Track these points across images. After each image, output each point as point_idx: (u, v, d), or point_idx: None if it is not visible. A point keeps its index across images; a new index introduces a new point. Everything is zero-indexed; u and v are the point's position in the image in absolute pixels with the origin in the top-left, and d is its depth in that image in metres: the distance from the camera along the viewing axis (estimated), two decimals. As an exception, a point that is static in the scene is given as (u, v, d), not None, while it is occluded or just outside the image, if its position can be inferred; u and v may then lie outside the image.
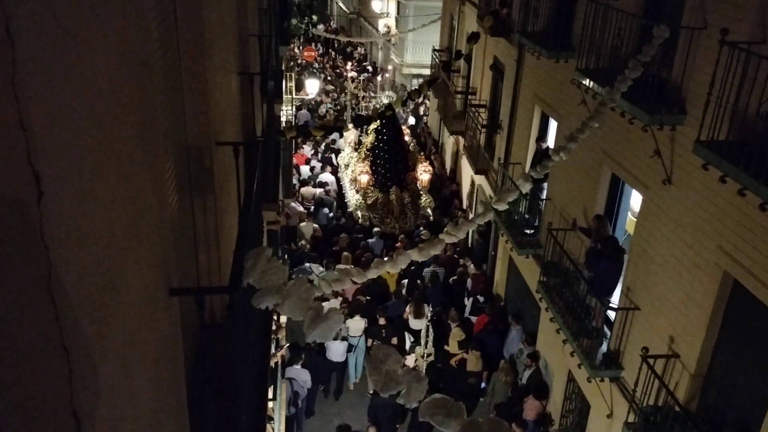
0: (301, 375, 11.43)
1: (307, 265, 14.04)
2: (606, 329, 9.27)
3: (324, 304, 13.19)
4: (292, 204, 16.88)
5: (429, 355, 11.58)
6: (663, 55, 7.29)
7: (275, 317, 9.35)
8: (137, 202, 2.24)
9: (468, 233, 16.74)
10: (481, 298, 13.66)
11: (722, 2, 6.64)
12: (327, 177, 19.69)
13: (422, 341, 11.57)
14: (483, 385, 12.17)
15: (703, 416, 6.99)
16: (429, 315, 11.67)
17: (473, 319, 13.24)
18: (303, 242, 15.61)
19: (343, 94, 25.28)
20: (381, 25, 35.09)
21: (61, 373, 1.49)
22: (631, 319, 8.40)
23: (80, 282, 1.63)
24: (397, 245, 15.29)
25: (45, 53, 1.43)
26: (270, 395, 8.87)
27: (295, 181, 19.39)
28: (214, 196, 4.37)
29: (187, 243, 3.86)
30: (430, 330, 11.52)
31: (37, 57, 1.38)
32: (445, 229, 4.01)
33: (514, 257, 13.00)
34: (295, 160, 20.58)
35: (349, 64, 32.58)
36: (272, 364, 9.06)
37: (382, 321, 12.31)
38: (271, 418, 9.60)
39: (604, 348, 9.03)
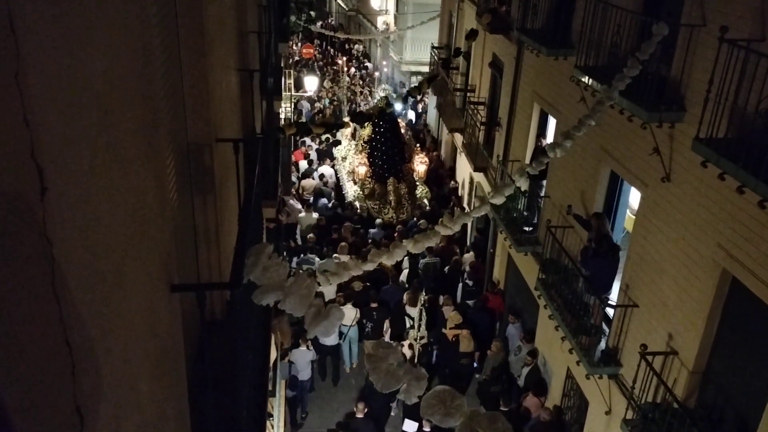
0: (306, 356, 11.79)
1: (310, 256, 14.46)
2: (604, 326, 9.29)
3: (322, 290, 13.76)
4: (291, 201, 16.92)
5: (422, 338, 12.16)
6: (662, 52, 7.29)
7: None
8: (139, 199, 2.25)
9: (467, 230, 16.80)
10: (470, 282, 14.06)
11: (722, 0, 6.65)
12: (326, 169, 20.09)
13: (416, 325, 12.06)
14: (476, 365, 12.70)
15: (701, 413, 7.01)
16: (423, 301, 12.15)
17: (469, 303, 13.71)
18: (311, 235, 15.91)
19: (340, 90, 25.38)
20: (380, 22, 35.05)
21: (65, 370, 1.49)
22: (630, 316, 8.41)
23: (83, 278, 1.63)
24: (395, 235, 15.71)
25: (48, 49, 1.43)
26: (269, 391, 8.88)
27: (294, 179, 19.51)
28: (215, 192, 4.38)
29: (187, 239, 3.86)
30: (423, 314, 12.08)
31: (40, 53, 1.38)
32: (440, 220, 4.01)
33: (513, 254, 13.02)
34: (293, 157, 20.72)
35: (346, 59, 32.61)
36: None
37: (374, 305, 12.77)
38: (271, 415, 9.61)
39: (602, 345, 9.04)
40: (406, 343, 12.30)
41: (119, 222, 1.99)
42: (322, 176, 19.57)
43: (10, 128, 1.25)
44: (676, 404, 7.00)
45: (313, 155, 21.56)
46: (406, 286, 13.85)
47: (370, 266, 3.33)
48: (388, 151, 18.47)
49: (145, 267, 2.31)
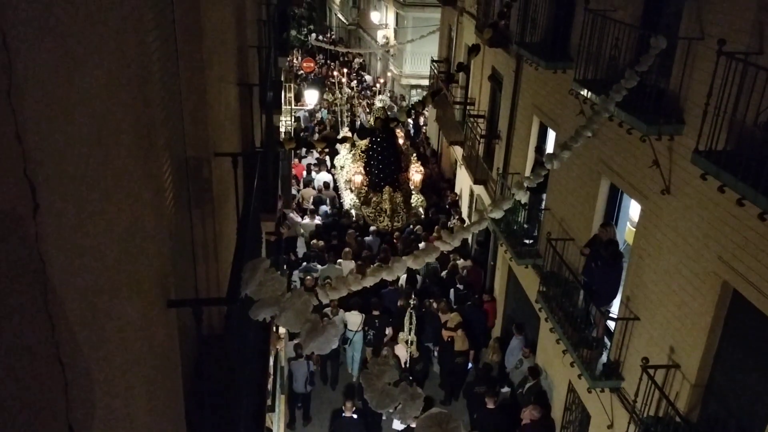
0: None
1: (313, 264, 14.74)
2: (606, 339, 9.25)
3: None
4: (291, 214, 16.96)
5: (412, 342, 12.35)
6: (661, 65, 7.31)
7: (274, 328, 9.35)
8: (135, 214, 2.24)
9: (468, 240, 16.80)
10: (460, 287, 14.40)
11: (719, 13, 6.67)
12: (323, 177, 20.53)
13: (406, 328, 12.27)
14: (470, 365, 12.93)
15: (704, 427, 6.96)
16: (411, 304, 12.34)
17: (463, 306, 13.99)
18: (314, 241, 16.23)
19: (340, 101, 25.60)
20: (380, 36, 35.22)
21: (57, 387, 1.48)
22: (631, 329, 8.37)
23: (77, 295, 1.62)
24: (394, 241, 16.30)
25: (42, 65, 1.43)
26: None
27: (294, 192, 19.61)
28: (213, 207, 4.37)
29: (185, 254, 3.85)
30: (413, 317, 12.21)
31: (33, 69, 1.38)
32: (440, 232, 4.00)
33: (514, 267, 12.99)
34: (294, 171, 20.83)
35: (346, 71, 32.79)
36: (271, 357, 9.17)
37: (376, 312, 12.87)
38: (270, 430, 9.55)
39: (604, 358, 9.00)
40: (399, 346, 12.56)
41: (115, 238, 1.98)
42: (327, 184, 19.95)
43: (3, 145, 1.25)
44: (678, 418, 6.96)
45: (312, 161, 21.97)
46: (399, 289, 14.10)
47: (370, 281, 3.32)
48: (384, 160, 18.72)
49: (141, 282, 2.30)
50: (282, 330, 10.98)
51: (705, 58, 6.75)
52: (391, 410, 2.77)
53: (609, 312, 9.01)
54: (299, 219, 17.46)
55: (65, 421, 1.51)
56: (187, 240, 3.95)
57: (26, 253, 1.35)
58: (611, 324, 9.05)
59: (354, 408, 10.85)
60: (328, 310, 12.34)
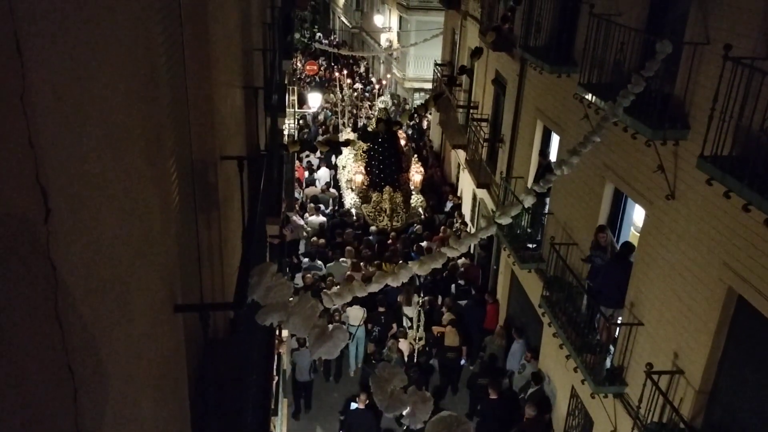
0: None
1: (319, 262, 14.92)
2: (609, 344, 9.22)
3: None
4: (294, 217, 16.96)
5: (420, 338, 12.56)
6: (666, 70, 7.29)
7: (277, 332, 9.34)
8: (143, 219, 2.23)
9: (470, 246, 16.84)
10: (462, 282, 14.72)
11: (725, 18, 6.66)
12: (323, 173, 20.74)
13: (414, 325, 12.49)
14: (462, 361, 13.06)
15: (708, 433, 6.94)
16: (419, 302, 12.59)
17: (461, 303, 14.23)
18: (315, 239, 16.32)
19: (342, 103, 25.69)
20: (383, 39, 35.25)
21: (67, 394, 1.47)
22: (635, 334, 8.35)
23: (86, 301, 1.61)
24: (389, 242, 16.43)
25: (54, 70, 1.42)
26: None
27: (297, 194, 19.62)
28: (219, 210, 4.36)
29: (191, 258, 3.84)
30: (422, 315, 12.48)
31: (46, 74, 1.37)
32: (445, 237, 4.00)
33: (517, 271, 12.97)
34: (296, 173, 20.86)
35: (346, 73, 32.87)
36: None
37: (381, 309, 12.97)
38: (273, 434, 9.53)
39: (607, 364, 8.97)
40: (404, 341, 12.71)
41: (123, 243, 1.97)
42: (328, 184, 20.04)
43: (15, 150, 1.24)
44: (682, 424, 6.93)
45: (314, 161, 22.12)
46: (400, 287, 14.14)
47: (375, 287, 3.31)
48: (385, 160, 18.88)
49: (149, 288, 2.29)
50: (285, 333, 10.99)
51: (711, 62, 6.74)
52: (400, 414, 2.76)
53: (614, 317, 8.98)
54: (302, 222, 17.47)
55: (75, 429, 1.50)
56: (193, 244, 3.94)
57: (38, 259, 1.34)
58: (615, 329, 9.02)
59: (367, 400, 10.88)
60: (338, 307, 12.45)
